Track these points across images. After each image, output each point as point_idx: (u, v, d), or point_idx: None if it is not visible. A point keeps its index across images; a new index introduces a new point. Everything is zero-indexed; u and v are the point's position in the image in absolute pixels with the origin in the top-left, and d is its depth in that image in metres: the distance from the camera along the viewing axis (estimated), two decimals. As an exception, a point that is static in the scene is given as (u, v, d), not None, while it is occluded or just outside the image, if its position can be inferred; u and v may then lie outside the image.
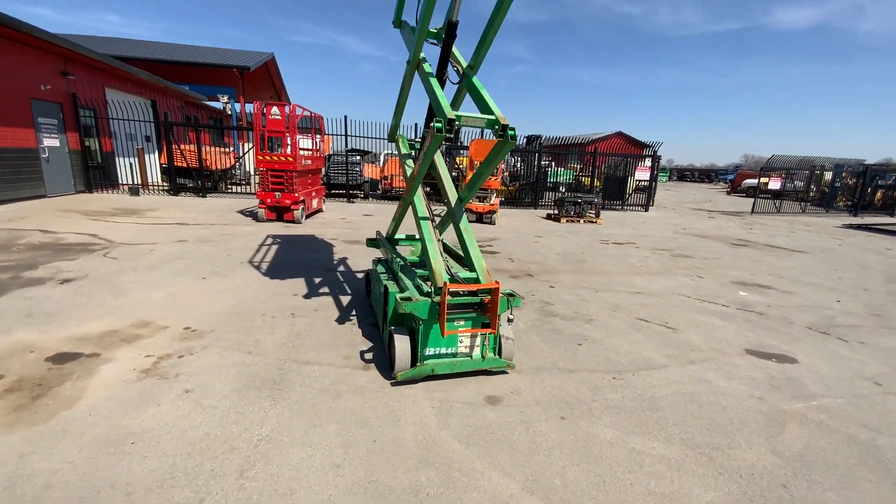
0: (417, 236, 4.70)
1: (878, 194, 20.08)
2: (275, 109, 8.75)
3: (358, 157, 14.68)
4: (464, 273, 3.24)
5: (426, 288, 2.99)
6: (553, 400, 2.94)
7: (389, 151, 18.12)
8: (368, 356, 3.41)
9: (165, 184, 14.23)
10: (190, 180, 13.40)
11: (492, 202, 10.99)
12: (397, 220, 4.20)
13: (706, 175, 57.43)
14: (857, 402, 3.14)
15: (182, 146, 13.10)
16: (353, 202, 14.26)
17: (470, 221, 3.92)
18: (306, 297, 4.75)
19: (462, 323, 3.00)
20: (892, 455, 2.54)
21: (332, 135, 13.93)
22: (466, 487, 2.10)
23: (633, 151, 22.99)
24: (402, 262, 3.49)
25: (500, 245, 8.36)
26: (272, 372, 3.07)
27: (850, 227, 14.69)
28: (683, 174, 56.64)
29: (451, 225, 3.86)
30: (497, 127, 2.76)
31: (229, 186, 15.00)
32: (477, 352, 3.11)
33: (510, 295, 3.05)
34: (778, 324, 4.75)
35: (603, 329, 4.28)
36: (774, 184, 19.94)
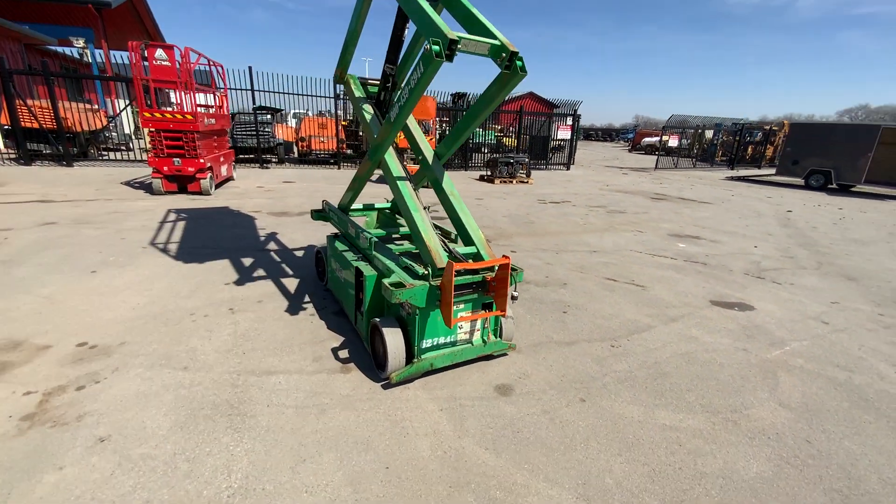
0: (378, 204, 4.06)
1: (749, 149, 23.22)
2: (160, 52, 7.01)
3: (269, 116, 12.84)
4: (461, 248, 2.75)
5: (419, 270, 2.46)
6: (565, 380, 2.68)
7: (301, 110, 16.22)
8: (343, 354, 2.83)
9: (11, 151, 11.20)
10: (46, 145, 10.65)
11: (427, 164, 10.37)
12: (358, 185, 3.49)
13: (608, 134, 61.78)
14: (819, 343, 3.37)
15: (29, 102, 10.23)
16: (267, 167, 12.59)
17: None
18: (240, 284, 3.91)
19: (462, 307, 2.56)
20: (872, 392, 2.72)
21: (234, 89, 11.91)
22: (516, 509, 1.75)
23: (544, 111, 23.48)
24: (374, 238, 2.87)
25: (444, 210, 7.90)
26: (224, 392, 2.37)
27: (732, 178, 16.77)
28: (588, 133, 60.20)
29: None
30: (504, 55, 2.19)
31: (102, 153, 12.31)
32: (477, 336, 2.71)
33: (512, 269, 2.65)
34: (722, 272, 5.05)
35: (580, 293, 4.14)
36: (674, 141, 21.93)
